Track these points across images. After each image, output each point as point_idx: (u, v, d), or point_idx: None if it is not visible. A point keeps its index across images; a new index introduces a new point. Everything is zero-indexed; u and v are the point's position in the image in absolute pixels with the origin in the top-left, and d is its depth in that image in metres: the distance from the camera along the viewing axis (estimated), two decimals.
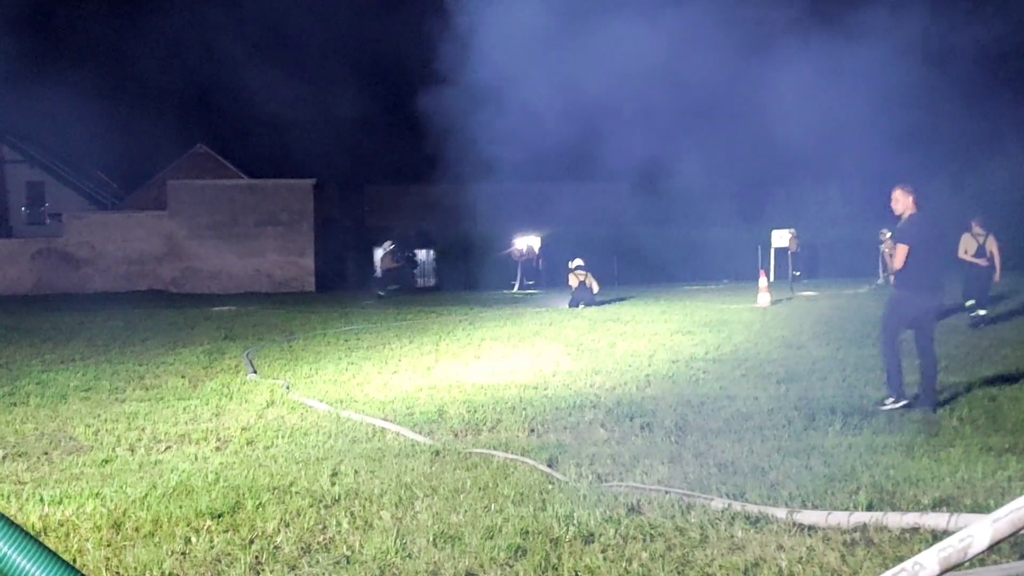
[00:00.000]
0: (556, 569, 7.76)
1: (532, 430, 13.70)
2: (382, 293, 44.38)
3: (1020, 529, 4.55)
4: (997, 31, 49.99)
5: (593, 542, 8.36)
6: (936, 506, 9.13)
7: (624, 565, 7.79)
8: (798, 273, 44.16)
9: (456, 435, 13.50)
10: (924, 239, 14.89)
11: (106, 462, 12.13)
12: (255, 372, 19.84)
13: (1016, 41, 49.18)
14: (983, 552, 4.47)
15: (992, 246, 26.82)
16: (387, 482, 10.48)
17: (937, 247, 15.25)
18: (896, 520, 8.48)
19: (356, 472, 11.01)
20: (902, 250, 14.90)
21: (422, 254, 57.74)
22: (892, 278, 15.85)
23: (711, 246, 53.04)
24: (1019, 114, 51.08)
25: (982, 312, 26.45)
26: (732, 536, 8.45)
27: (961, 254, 26.79)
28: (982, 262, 26.58)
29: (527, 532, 8.59)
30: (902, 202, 15.19)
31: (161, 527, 9.00)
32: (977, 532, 4.53)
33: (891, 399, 14.88)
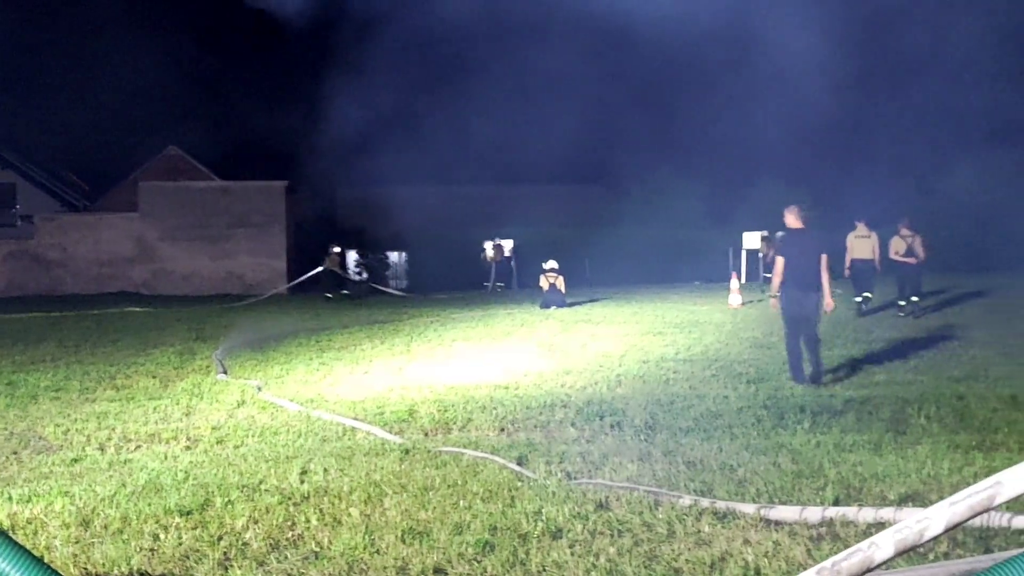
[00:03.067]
0: (524, 564, 7.80)
1: (502, 429, 13.77)
2: (329, 296, 44.50)
3: (977, 514, 4.60)
4: (963, 38, 50.25)
5: (561, 538, 8.40)
6: (902, 502, 9.20)
7: (591, 560, 7.83)
8: (770, 275, 44.33)
9: (426, 434, 13.55)
10: (802, 250, 17.49)
11: (75, 461, 12.14)
12: (225, 372, 19.84)
13: (982, 46, 49.48)
14: (939, 536, 4.52)
15: (919, 245, 29.10)
16: (356, 480, 10.50)
17: (808, 256, 17.50)
18: (859, 515, 8.55)
19: (326, 470, 11.03)
20: (780, 261, 17.61)
21: (394, 256, 57.68)
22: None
23: (683, 248, 53.08)
24: (983, 119, 51.38)
25: (915, 299, 29.30)
26: (699, 531, 8.51)
27: (892, 255, 29.24)
28: (911, 260, 28.87)
29: (495, 528, 8.63)
30: (792, 219, 17.98)
31: (130, 524, 9.02)
32: (934, 516, 4.58)
33: (793, 383, 17.11)
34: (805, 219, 18.07)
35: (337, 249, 48.15)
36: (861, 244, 30.04)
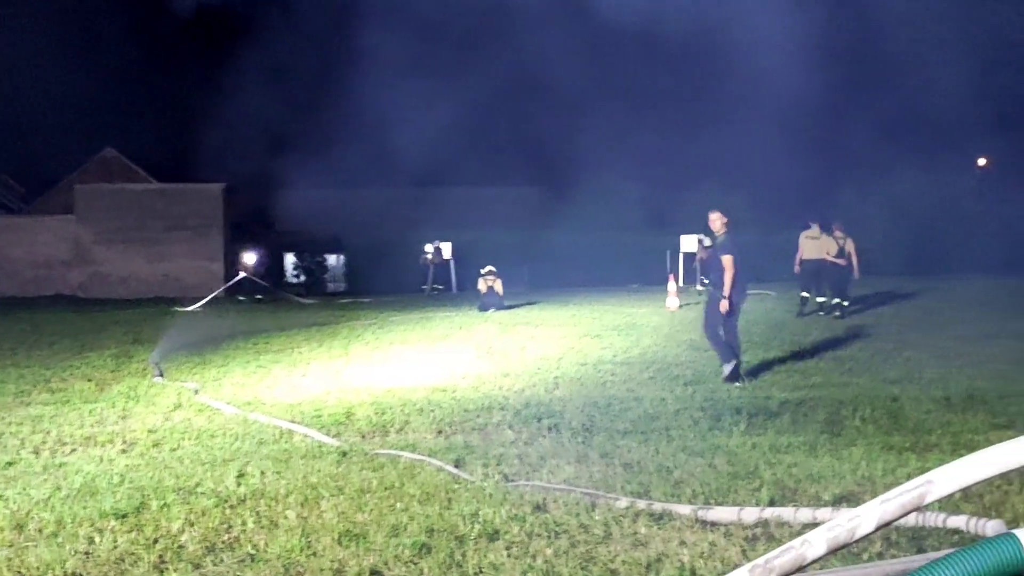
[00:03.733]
0: (460, 566, 7.80)
1: (440, 431, 13.75)
2: (244, 298, 44.57)
3: (908, 512, 4.62)
4: (907, 44, 50.69)
5: (498, 539, 8.42)
6: (837, 502, 9.27)
7: (528, 561, 7.84)
8: (707, 280, 44.46)
9: (364, 436, 13.52)
10: (739, 251, 18.18)
11: (10, 464, 12.02)
12: (161, 375, 19.73)
13: (921, 54, 49.89)
14: (870, 533, 4.54)
15: (850, 247, 30.20)
16: (293, 482, 10.49)
17: (741, 256, 18.33)
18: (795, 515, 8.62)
19: (262, 473, 11.00)
20: (729, 259, 18.01)
21: (332, 259, 57.51)
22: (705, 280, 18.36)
23: (621, 250, 53.22)
24: (921, 125, 51.78)
25: (845, 303, 30.23)
26: (636, 532, 8.54)
27: (824, 255, 30.02)
28: (841, 261, 29.85)
29: (432, 530, 8.63)
30: (719, 223, 18.51)
31: (64, 527, 8.97)
32: (865, 514, 4.60)
33: (727, 365, 17.92)
34: (729, 223, 18.61)
35: (251, 255, 48.15)
36: (812, 245, 30.71)
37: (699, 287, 40.58)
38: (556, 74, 48.55)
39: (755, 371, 18.83)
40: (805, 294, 30.90)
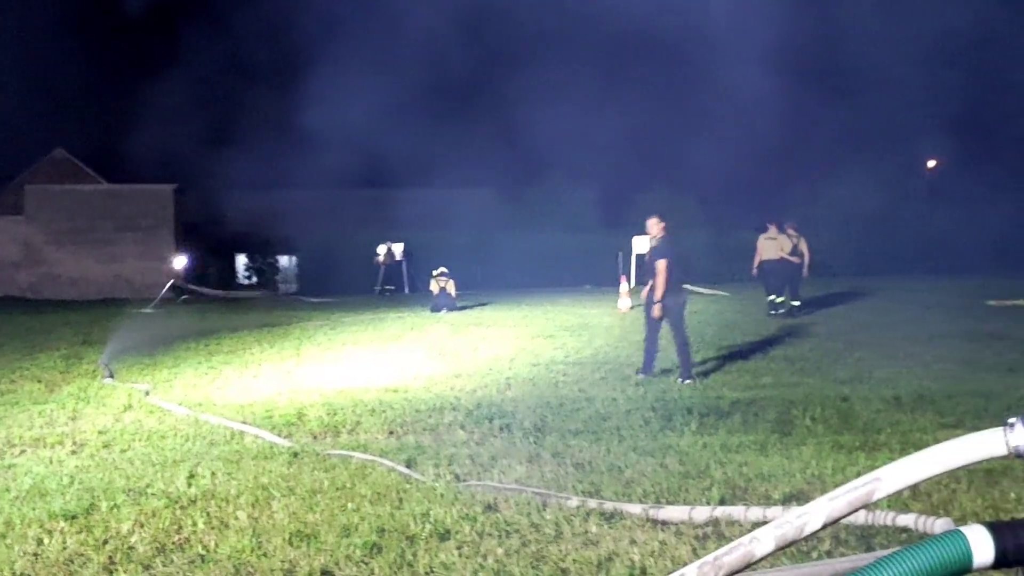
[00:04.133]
0: (411, 566, 7.81)
1: (391, 432, 13.74)
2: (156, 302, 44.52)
3: (856, 509, 4.63)
4: (853, 48, 50.93)
5: (449, 539, 8.43)
6: (787, 501, 9.32)
7: (479, 561, 7.86)
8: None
9: (315, 437, 13.50)
10: (675, 255, 18.67)
11: None
12: (112, 376, 19.64)
13: (872, 56, 50.15)
14: (818, 530, 4.56)
15: (803, 246, 30.80)
16: (244, 483, 10.48)
17: (679, 261, 18.99)
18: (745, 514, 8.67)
19: (213, 474, 10.98)
20: (663, 264, 18.39)
21: (283, 260, 57.36)
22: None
23: (573, 252, 53.29)
24: (872, 127, 52.04)
25: (796, 303, 30.79)
26: (587, 532, 8.57)
27: (778, 252, 30.48)
28: (795, 259, 30.35)
29: (383, 530, 8.64)
30: (656, 228, 18.97)
31: (13, 529, 8.93)
32: (813, 511, 4.62)
33: (640, 374, 18.57)
34: (667, 227, 19.05)
35: (180, 258, 48.17)
36: (769, 246, 31.03)
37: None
38: (510, 76, 48.57)
39: (706, 371, 18.91)
40: (772, 297, 31.15)
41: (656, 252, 18.77)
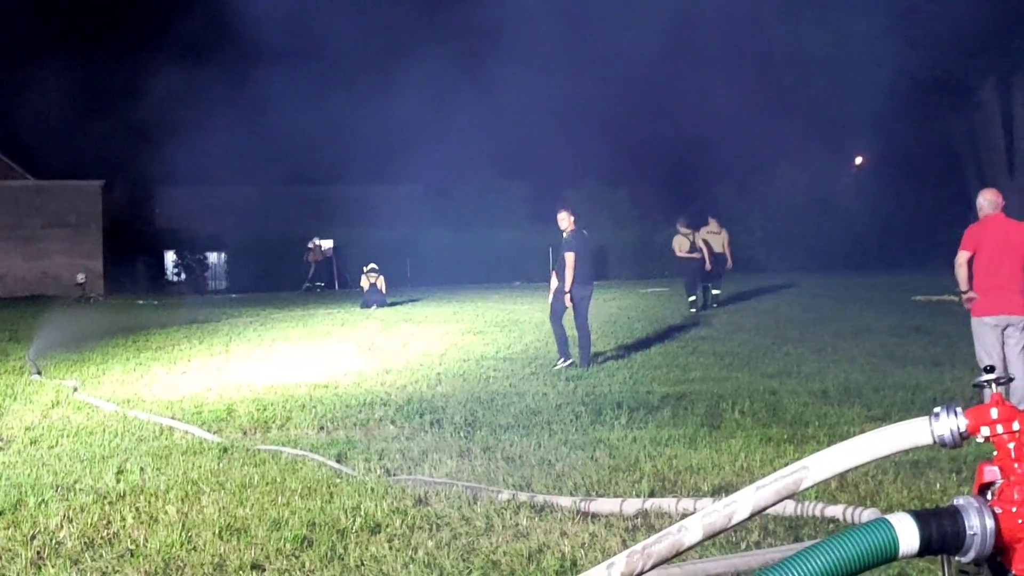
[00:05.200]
0: (342, 559, 7.83)
1: (322, 427, 13.74)
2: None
3: (783, 498, 4.67)
4: (784, 38, 51.23)
5: (379, 532, 8.46)
6: (716, 493, 9.39)
7: (410, 554, 7.88)
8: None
9: (245, 433, 13.47)
10: (584, 248, 19.59)
11: None
12: (39, 373, 19.48)
13: (799, 52, 50.47)
14: (746, 519, 4.60)
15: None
16: (173, 478, 10.44)
17: (587, 253, 20.00)
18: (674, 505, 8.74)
19: (142, 469, 10.94)
20: (570, 256, 19.17)
21: (212, 256, 57.02)
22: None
23: (503, 248, 53.31)
24: (800, 123, 52.36)
25: (716, 292, 31.96)
26: (517, 524, 8.61)
27: (680, 249, 31.08)
28: (695, 256, 30.77)
29: (314, 524, 8.65)
30: (566, 221, 19.76)
31: None
32: (741, 500, 4.65)
33: (561, 360, 19.12)
34: (576, 220, 19.83)
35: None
36: (712, 239, 31.66)
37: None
38: (435, 72, 48.42)
39: (636, 366, 18.98)
40: (716, 291, 31.85)
41: (565, 245, 19.48)
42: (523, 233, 54.10)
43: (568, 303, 19.23)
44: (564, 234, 19.74)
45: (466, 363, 19.91)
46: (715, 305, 31.19)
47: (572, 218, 19.77)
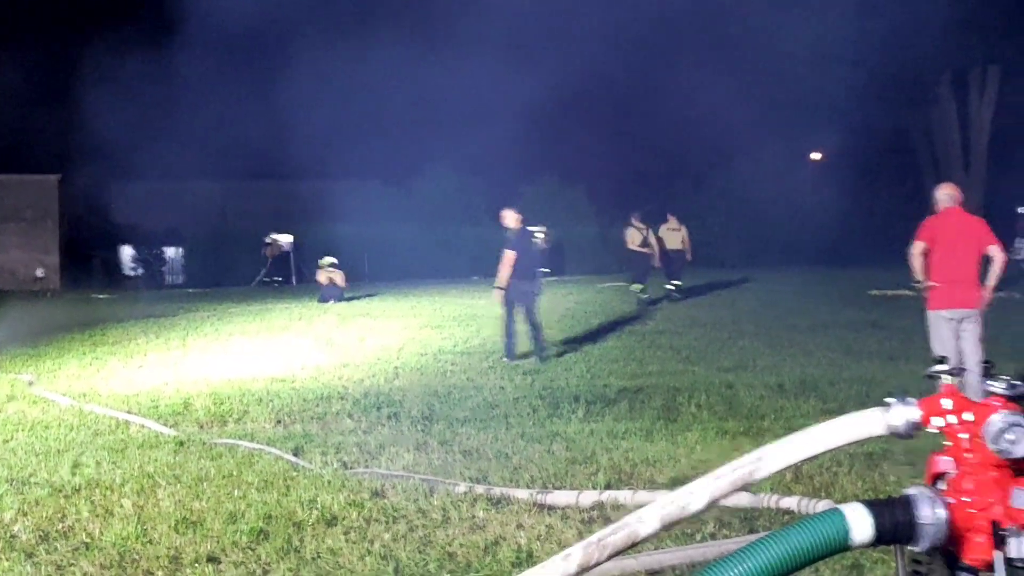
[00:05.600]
0: (298, 551, 7.83)
1: (279, 421, 13.70)
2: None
3: (739, 488, 4.70)
4: (741, 38, 51.38)
5: (336, 525, 8.46)
6: (672, 485, 9.41)
7: (366, 546, 7.89)
8: (547, 270, 44.71)
9: (201, 426, 13.43)
10: (525, 247, 20.22)
11: None
12: None
13: (756, 47, 50.59)
14: (702, 510, 4.62)
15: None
16: (129, 472, 10.42)
17: (531, 251, 20.81)
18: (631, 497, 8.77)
19: (98, 463, 10.90)
20: (509, 255, 19.70)
21: (170, 251, 56.76)
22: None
23: (461, 243, 53.25)
24: (757, 118, 52.50)
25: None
26: (474, 517, 8.63)
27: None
28: (646, 251, 31.00)
29: (270, 516, 8.65)
30: (512, 219, 20.24)
31: None
32: (697, 490, 4.68)
33: (506, 358, 19.20)
34: (523, 219, 20.44)
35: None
36: (672, 236, 32.07)
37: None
38: (395, 68, 48.33)
39: (593, 360, 19.02)
40: (677, 283, 32.11)
41: (506, 242, 20.13)
42: (481, 228, 53.96)
43: (496, 298, 20.08)
44: (508, 232, 20.29)
45: (424, 357, 19.92)
46: (677, 298, 31.41)
47: (518, 217, 20.27)
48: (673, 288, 31.75)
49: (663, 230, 32.07)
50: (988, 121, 51.80)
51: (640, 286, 30.49)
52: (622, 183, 59.33)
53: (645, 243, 30.95)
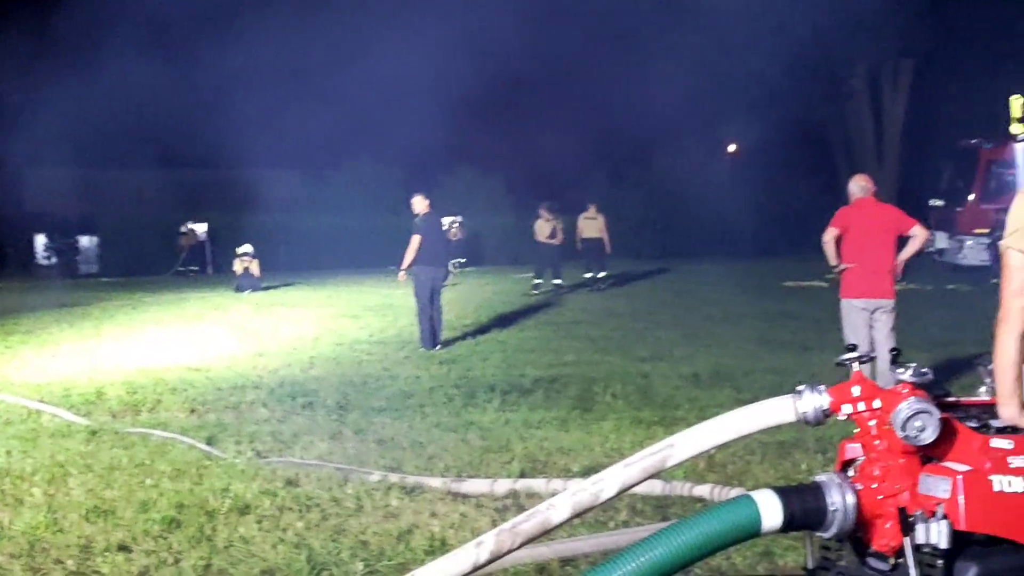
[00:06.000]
0: (210, 540, 7.80)
1: (193, 410, 13.64)
2: None
3: (651, 475, 4.75)
4: (657, 31, 51.57)
5: (249, 513, 8.44)
6: (586, 474, 9.44)
7: (279, 534, 7.87)
8: (463, 260, 44.64)
9: (114, 416, 13.34)
10: (431, 232, 20.19)
11: None
12: None
13: (674, 41, 50.82)
14: (614, 497, 4.65)
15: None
16: (40, 461, 10.34)
17: (440, 237, 21.20)
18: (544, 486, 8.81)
19: (8, 452, 10.82)
20: (416, 239, 19.88)
21: (84, 240, 56.16)
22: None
23: (378, 233, 53.03)
24: (674, 113, 52.70)
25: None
26: (388, 505, 8.64)
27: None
28: (554, 241, 31.62)
29: (182, 505, 8.61)
30: (420, 204, 20.48)
31: None
32: (609, 477, 4.71)
33: (424, 347, 19.28)
34: (431, 204, 20.69)
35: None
36: (590, 225, 32.60)
37: (452, 267, 40.70)
38: (313, 57, 48.13)
39: (510, 350, 19.05)
40: (598, 274, 32.37)
41: (414, 227, 20.35)
42: (398, 218, 53.66)
43: (401, 278, 20.66)
44: (416, 217, 20.45)
45: (340, 346, 19.88)
46: (602, 288, 31.76)
47: (427, 202, 20.51)
48: (590, 277, 32.16)
49: (581, 219, 32.78)
50: (901, 114, 52.48)
51: (539, 280, 31.12)
52: (540, 174, 59.39)
53: (553, 234, 31.42)
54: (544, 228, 31.54)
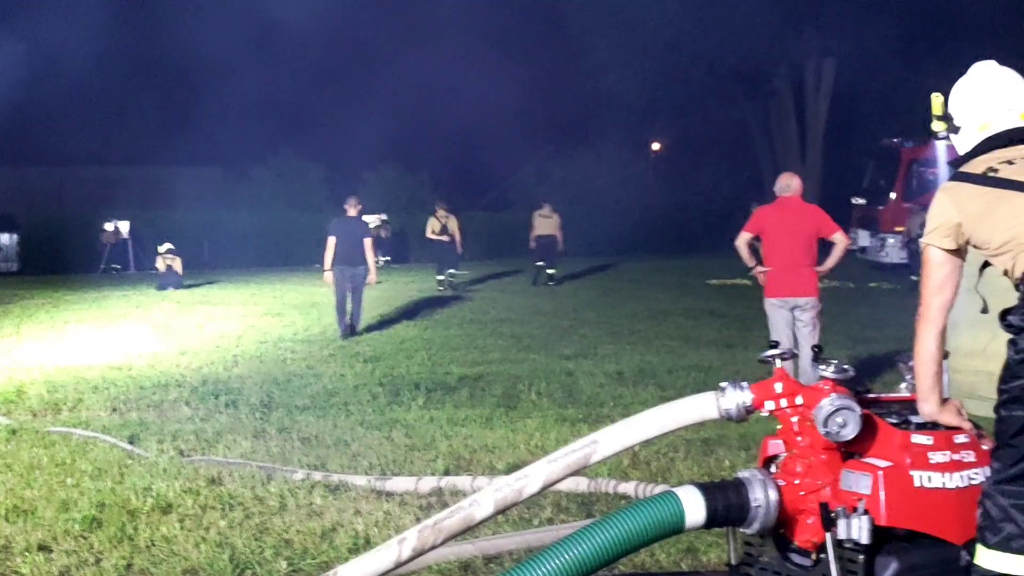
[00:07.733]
0: (132, 539, 7.74)
1: (114, 409, 13.53)
2: None
3: (574, 471, 4.76)
4: (584, 30, 51.74)
5: (171, 512, 8.38)
6: (510, 471, 9.44)
7: (201, 533, 7.82)
8: (388, 258, 44.57)
9: (35, 414, 13.22)
10: (343, 233, 21.20)
11: None
12: None
13: (599, 39, 51.01)
14: (537, 493, 4.65)
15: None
16: None
17: (351, 237, 21.20)
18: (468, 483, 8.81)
19: None
20: (330, 240, 21.20)
21: (4, 238, 55.63)
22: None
23: (302, 231, 52.81)
24: (597, 111, 52.88)
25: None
26: (311, 503, 8.60)
27: (429, 234, 32.53)
28: (445, 238, 32.24)
29: (104, 504, 8.54)
30: (352, 208, 21.75)
31: None
32: (532, 474, 4.71)
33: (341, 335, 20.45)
34: (359, 209, 22.14)
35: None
36: (544, 222, 33.29)
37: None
38: (233, 52, 47.98)
39: (435, 348, 19.03)
40: (540, 263, 33.35)
41: (363, 227, 21.92)
42: (322, 216, 53.46)
43: (327, 280, 21.36)
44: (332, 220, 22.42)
45: (264, 345, 19.80)
46: (550, 283, 32.66)
47: (359, 207, 22.28)
48: (541, 265, 33.15)
49: (536, 216, 33.52)
50: (824, 113, 52.94)
51: (442, 277, 31.65)
52: (465, 172, 59.50)
53: (444, 231, 31.86)
54: (435, 224, 32.08)
